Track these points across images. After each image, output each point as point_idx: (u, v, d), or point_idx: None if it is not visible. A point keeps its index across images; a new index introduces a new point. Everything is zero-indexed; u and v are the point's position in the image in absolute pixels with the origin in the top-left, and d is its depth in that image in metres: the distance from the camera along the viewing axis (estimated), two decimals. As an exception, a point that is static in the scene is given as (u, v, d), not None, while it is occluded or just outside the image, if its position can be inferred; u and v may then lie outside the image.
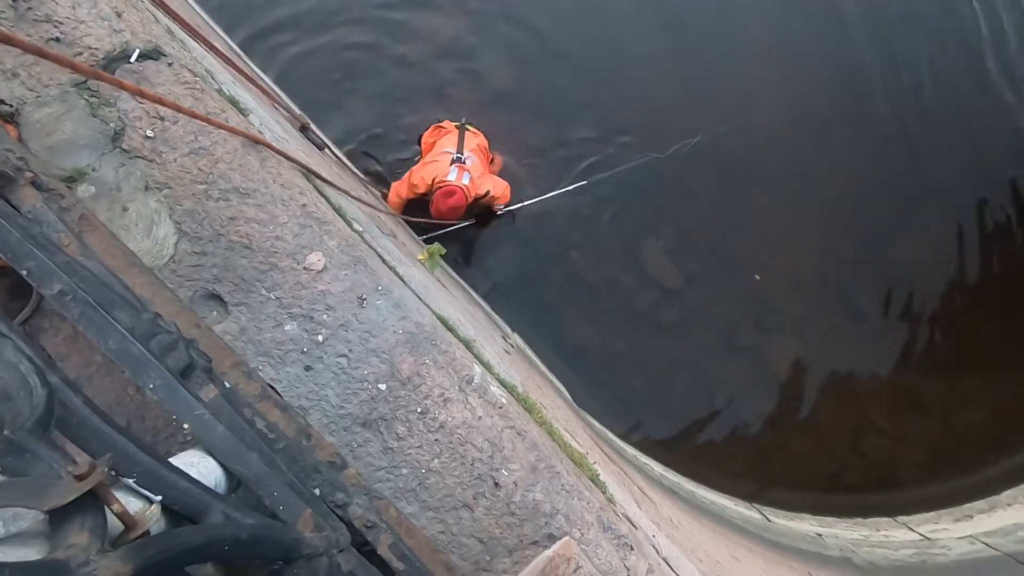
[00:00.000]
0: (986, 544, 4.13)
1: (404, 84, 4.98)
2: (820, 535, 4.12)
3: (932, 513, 4.52)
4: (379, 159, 4.75)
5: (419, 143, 4.52)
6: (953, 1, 5.84)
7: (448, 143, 4.21)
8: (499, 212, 4.53)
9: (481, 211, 4.42)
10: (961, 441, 4.74)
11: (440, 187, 3.94)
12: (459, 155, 4.08)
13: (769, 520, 4.18)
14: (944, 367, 4.89)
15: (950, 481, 4.65)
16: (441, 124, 4.43)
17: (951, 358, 4.91)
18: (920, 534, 4.30)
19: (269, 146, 1.67)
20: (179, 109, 1.44)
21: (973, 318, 4.98)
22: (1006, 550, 4.06)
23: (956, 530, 4.32)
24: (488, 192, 4.15)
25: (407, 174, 4.18)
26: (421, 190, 4.07)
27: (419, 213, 4.14)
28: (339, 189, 2.06)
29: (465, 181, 3.99)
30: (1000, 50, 5.70)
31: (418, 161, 4.39)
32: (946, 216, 5.23)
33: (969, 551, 4.10)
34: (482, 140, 4.38)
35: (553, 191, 4.69)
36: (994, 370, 4.88)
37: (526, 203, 4.63)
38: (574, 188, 4.73)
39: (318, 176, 1.88)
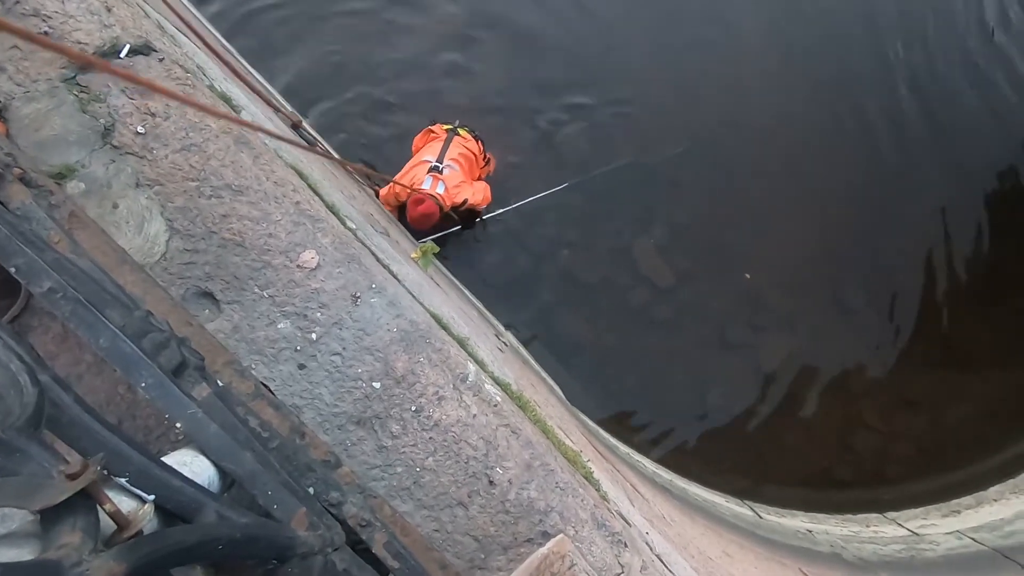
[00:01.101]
0: (973, 539, 4.19)
1: (399, 84, 4.97)
2: (811, 531, 4.17)
3: (920, 509, 4.58)
4: (372, 161, 4.74)
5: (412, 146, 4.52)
6: (957, 8, 5.90)
7: (431, 151, 4.20)
8: (480, 217, 4.50)
9: (464, 216, 4.41)
10: (949, 437, 4.80)
11: (413, 194, 3.95)
12: (437, 164, 4.07)
13: (760, 517, 4.21)
14: (933, 364, 4.95)
15: (938, 477, 4.71)
16: (432, 128, 4.41)
17: (940, 355, 4.97)
18: (908, 530, 4.35)
19: (264, 130, 1.65)
20: (170, 94, 1.42)
21: (962, 315, 5.04)
22: (992, 545, 4.12)
23: (944, 525, 4.38)
24: (466, 200, 4.15)
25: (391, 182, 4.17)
26: (403, 198, 4.07)
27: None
28: (333, 159, 2.05)
29: (439, 190, 3.98)
30: (991, 47, 5.76)
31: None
32: (936, 213, 5.29)
33: (956, 546, 4.15)
34: (472, 145, 4.34)
35: (533, 195, 4.68)
36: (983, 367, 4.95)
37: (509, 208, 4.62)
38: (553, 191, 4.73)
39: (316, 150, 1.87)
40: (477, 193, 4.25)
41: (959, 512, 4.50)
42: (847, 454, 4.73)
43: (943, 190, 5.34)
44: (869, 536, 4.26)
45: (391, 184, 4.13)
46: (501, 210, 4.60)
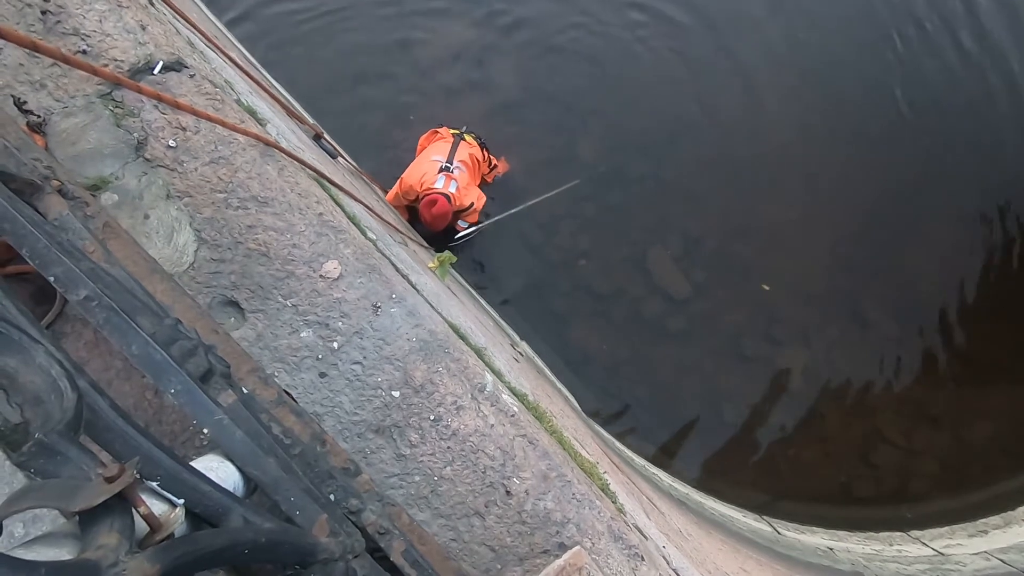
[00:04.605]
0: (1001, 560, 4.06)
1: (413, 91, 5.05)
2: (831, 549, 4.07)
3: (946, 528, 4.45)
4: (384, 164, 4.79)
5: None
6: (970, 18, 5.84)
7: (439, 150, 4.23)
8: (462, 229, 4.42)
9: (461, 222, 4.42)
10: (974, 455, 4.67)
11: (426, 195, 3.98)
12: (447, 164, 4.10)
13: (779, 533, 4.13)
14: (955, 379, 4.83)
15: (963, 495, 4.58)
16: (438, 130, 4.46)
17: (962, 370, 4.85)
18: (934, 549, 4.23)
19: (282, 150, 1.70)
20: (190, 110, 1.47)
21: (984, 329, 4.93)
22: (1022, 566, 3.99)
23: (971, 546, 4.25)
24: (472, 204, 4.18)
25: (398, 180, 4.22)
26: (411, 197, 4.11)
27: (416, 220, 4.19)
28: (355, 198, 2.09)
29: (452, 189, 4.01)
30: (1011, 62, 5.68)
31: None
32: (956, 226, 5.20)
33: (984, 567, 4.03)
34: (476, 151, 4.39)
35: (542, 195, 4.71)
36: (1006, 382, 4.82)
37: (526, 205, 4.63)
38: (562, 190, 4.74)
39: (342, 188, 1.91)
40: (480, 199, 4.30)
41: (986, 532, 4.36)
42: (868, 470, 4.63)
43: (964, 202, 5.25)
44: (892, 555, 4.15)
45: (399, 182, 4.16)
46: (516, 208, 4.61)
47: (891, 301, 4.98)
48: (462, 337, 1.80)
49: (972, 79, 5.62)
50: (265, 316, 1.51)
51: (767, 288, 4.87)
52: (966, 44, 5.73)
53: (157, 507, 0.83)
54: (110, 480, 0.68)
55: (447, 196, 3.95)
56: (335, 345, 1.52)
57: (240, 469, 1.11)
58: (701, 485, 4.40)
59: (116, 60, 1.58)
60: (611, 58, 5.37)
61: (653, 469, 4.25)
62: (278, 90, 4.08)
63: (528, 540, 1.49)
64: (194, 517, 0.89)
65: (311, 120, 3.69)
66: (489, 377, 1.67)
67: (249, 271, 1.51)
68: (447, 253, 2.82)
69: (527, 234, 4.76)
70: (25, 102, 1.48)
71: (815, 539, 4.18)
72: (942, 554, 4.18)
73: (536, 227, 4.77)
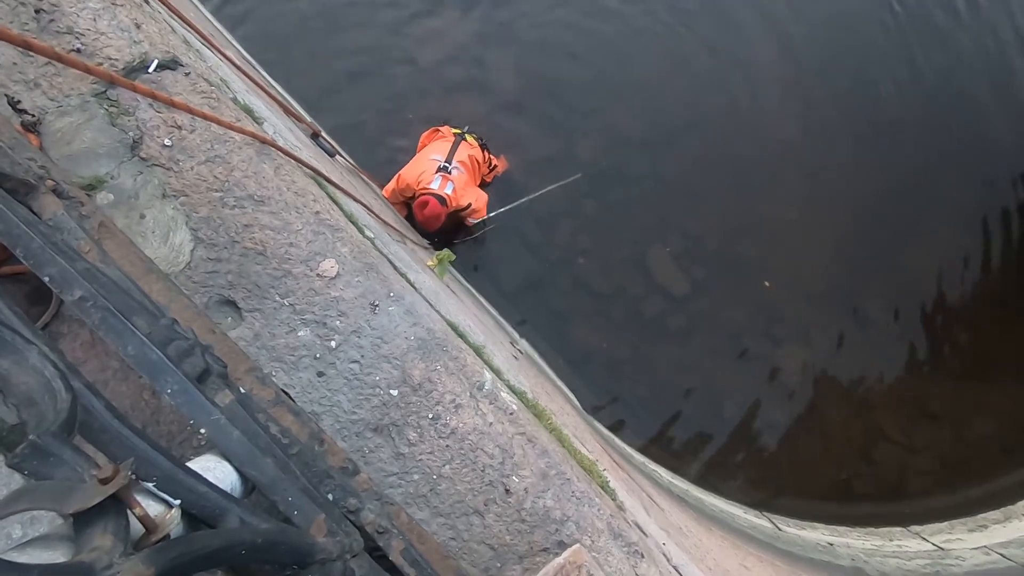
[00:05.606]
0: (1001, 555, 4.07)
1: (410, 90, 5.03)
2: (831, 544, 4.08)
3: (945, 523, 4.46)
4: (382, 163, 4.78)
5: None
6: (966, 9, 5.83)
7: (438, 149, 4.20)
8: (471, 224, 4.45)
9: (461, 221, 4.42)
10: (973, 451, 4.68)
11: (421, 194, 3.97)
12: (446, 164, 4.07)
13: (779, 529, 4.14)
14: (955, 376, 4.83)
15: (963, 491, 4.59)
16: (440, 128, 4.44)
17: (962, 367, 4.86)
18: (934, 544, 4.24)
19: (279, 148, 1.69)
20: (186, 108, 1.46)
21: (984, 327, 4.93)
22: (1022, 560, 4.00)
23: (970, 540, 4.26)
24: (470, 205, 4.16)
25: (396, 176, 4.20)
26: (408, 195, 4.10)
27: (412, 217, 4.19)
28: (353, 197, 2.08)
29: (448, 191, 3.99)
30: (1014, 58, 5.67)
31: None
32: (957, 223, 5.19)
33: (984, 562, 4.04)
34: (477, 152, 4.37)
35: (542, 189, 4.70)
36: (1006, 379, 4.83)
37: (522, 201, 4.62)
38: (562, 184, 4.73)
39: (340, 188, 1.90)
40: (480, 199, 4.29)
41: (986, 527, 4.37)
42: (868, 467, 4.63)
43: (965, 200, 5.25)
44: (892, 550, 4.16)
45: (397, 178, 4.15)
46: (516, 203, 4.60)
47: (891, 299, 4.98)
48: (461, 335, 1.80)
49: (972, 75, 5.61)
50: (262, 315, 1.50)
51: (767, 285, 4.87)
52: (965, 42, 5.72)
53: (153, 508, 0.82)
54: (104, 481, 0.68)
55: (441, 198, 3.93)
56: (333, 344, 1.51)
57: (237, 469, 1.10)
58: (701, 482, 4.40)
59: (111, 59, 1.57)
60: (611, 56, 5.35)
61: (653, 466, 4.26)
62: (275, 88, 4.06)
63: (528, 538, 1.49)
64: (191, 518, 0.89)
65: (308, 118, 3.68)
66: (488, 375, 1.67)
67: (246, 270, 1.51)
68: (446, 251, 2.81)
69: (527, 232, 4.75)
70: (19, 101, 1.47)
71: (815, 535, 4.19)
72: (942, 549, 4.19)
73: (536, 225, 4.76)
